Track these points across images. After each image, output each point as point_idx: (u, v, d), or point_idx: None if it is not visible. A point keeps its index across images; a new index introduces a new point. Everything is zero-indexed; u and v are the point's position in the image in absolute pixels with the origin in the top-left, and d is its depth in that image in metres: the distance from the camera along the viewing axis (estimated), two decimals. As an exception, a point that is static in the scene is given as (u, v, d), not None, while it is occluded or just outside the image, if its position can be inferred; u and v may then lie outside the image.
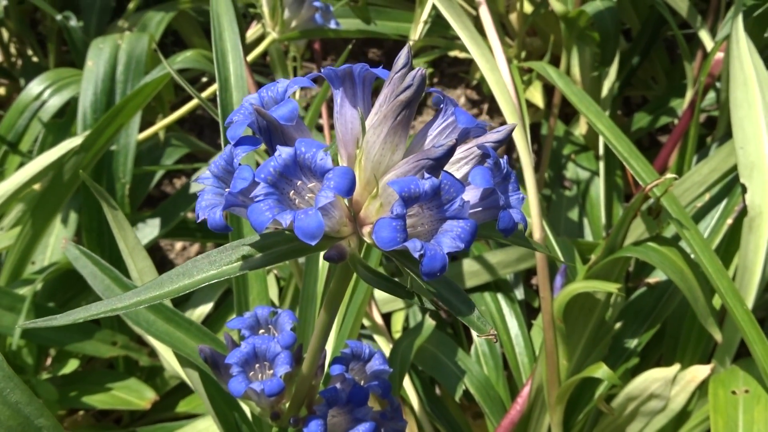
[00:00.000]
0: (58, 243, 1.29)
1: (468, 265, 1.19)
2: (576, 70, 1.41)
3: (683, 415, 0.98)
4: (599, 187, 1.41)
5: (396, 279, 0.41)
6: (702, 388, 0.96)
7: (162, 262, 1.83)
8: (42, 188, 1.14)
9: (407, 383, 1.06)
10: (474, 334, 1.19)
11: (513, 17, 1.53)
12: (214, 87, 1.37)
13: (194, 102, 1.34)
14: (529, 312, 1.30)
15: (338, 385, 0.55)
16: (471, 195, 0.39)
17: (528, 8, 1.51)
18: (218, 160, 0.40)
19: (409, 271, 0.39)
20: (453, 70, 1.87)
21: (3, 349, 1.13)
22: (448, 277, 0.39)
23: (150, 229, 1.33)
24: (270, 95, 0.40)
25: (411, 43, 1.36)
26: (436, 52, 1.56)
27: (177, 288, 0.43)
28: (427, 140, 0.41)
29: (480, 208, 0.39)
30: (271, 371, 0.55)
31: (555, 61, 1.54)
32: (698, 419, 0.93)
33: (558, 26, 1.47)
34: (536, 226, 0.89)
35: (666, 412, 0.93)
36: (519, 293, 1.27)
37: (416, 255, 0.35)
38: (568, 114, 1.80)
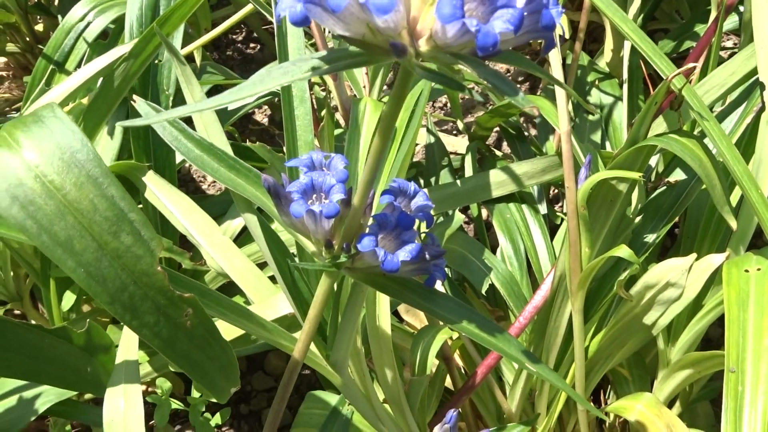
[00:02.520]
0: (104, 154, 1.36)
1: (494, 175, 1.25)
2: (602, -4, 1.44)
3: (698, 306, 1.04)
4: (622, 111, 1.45)
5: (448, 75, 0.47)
6: (716, 279, 1.02)
7: (195, 190, 1.91)
8: (92, 95, 1.21)
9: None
10: (498, 234, 1.24)
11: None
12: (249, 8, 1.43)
13: (231, 21, 1.40)
14: (551, 230, 1.35)
15: (387, 212, 0.62)
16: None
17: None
18: (295, -29, 0.46)
19: (463, 64, 0.45)
20: None
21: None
22: (496, 72, 0.45)
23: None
24: None
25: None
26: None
27: (255, 91, 0.49)
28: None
29: (526, 13, 0.45)
30: (327, 200, 0.62)
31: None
32: (712, 305, 0.99)
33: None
34: (563, 118, 0.94)
35: (682, 300, 0.99)
36: (542, 208, 1.32)
37: (472, 29, 0.41)
38: (592, 51, 1.83)
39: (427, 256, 0.62)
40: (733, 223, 0.92)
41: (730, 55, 1.74)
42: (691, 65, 0.86)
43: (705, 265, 0.96)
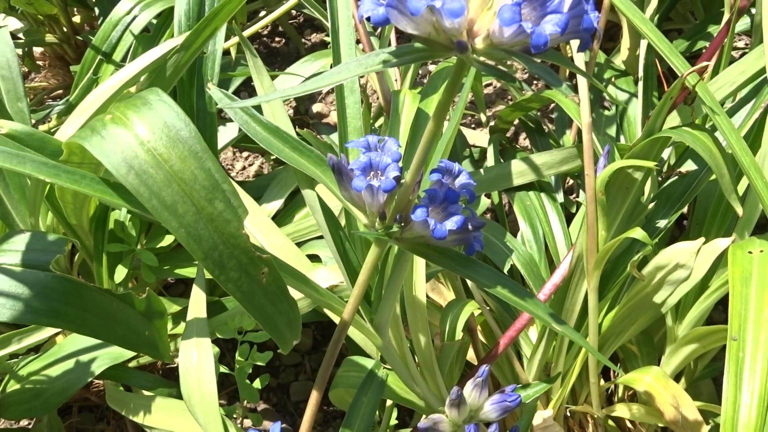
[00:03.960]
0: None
1: (516, 165, 1.34)
2: (620, -2, 1.52)
3: (704, 287, 1.13)
4: (637, 107, 1.53)
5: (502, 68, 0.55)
6: (722, 262, 1.10)
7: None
8: (143, 86, 1.30)
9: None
10: (518, 219, 1.33)
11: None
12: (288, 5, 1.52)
13: (274, 15, 1.49)
14: (566, 217, 1.44)
15: (436, 188, 0.71)
16: (565, 5, 0.54)
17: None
18: (375, -22, 0.55)
19: (516, 58, 0.54)
20: None
21: (109, 223, 1.31)
22: (543, 65, 0.54)
23: (230, 132, 1.50)
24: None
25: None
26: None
27: (334, 80, 0.58)
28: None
29: (570, 16, 0.54)
30: (384, 176, 0.71)
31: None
32: (717, 285, 1.08)
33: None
34: (584, 110, 1.03)
35: (690, 281, 1.08)
36: (559, 197, 1.41)
37: (528, 31, 0.49)
38: (608, 49, 1.91)
39: (469, 226, 0.71)
40: (740, 210, 1.01)
41: (742, 55, 1.82)
42: (704, 63, 0.94)
43: (712, 248, 1.05)
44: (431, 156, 0.78)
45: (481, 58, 0.57)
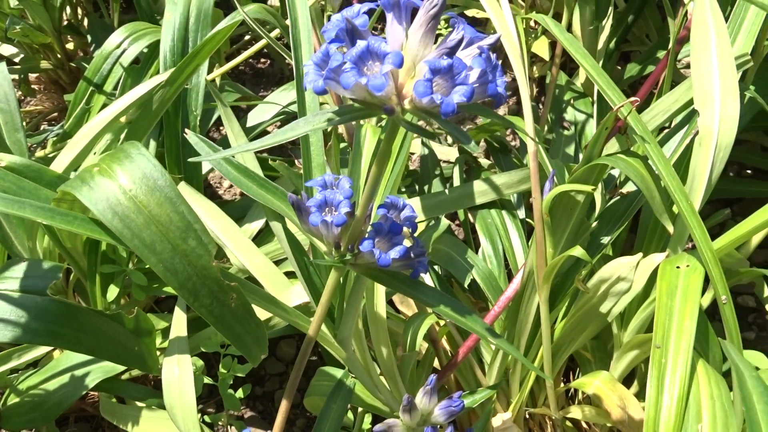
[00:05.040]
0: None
1: (477, 185, 1.44)
2: (576, 26, 1.64)
3: (646, 296, 1.24)
4: (593, 127, 1.64)
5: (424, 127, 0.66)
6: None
7: (212, 195, 2.11)
8: (132, 116, 1.40)
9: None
10: (480, 236, 1.43)
11: (523, -20, 1.75)
12: (263, 42, 1.62)
13: (249, 52, 1.59)
14: (529, 232, 1.55)
15: (381, 222, 0.81)
16: (471, 77, 0.64)
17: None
18: (317, 54, 0.65)
19: (433, 119, 0.64)
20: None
21: (102, 246, 1.41)
22: (456, 126, 0.65)
23: (213, 156, 1.60)
24: (348, 14, 0.65)
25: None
26: (456, 9, 1.79)
27: (286, 137, 0.69)
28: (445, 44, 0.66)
29: (477, 84, 0.64)
30: (337, 212, 0.81)
31: (558, 18, 1.77)
32: (654, 295, 1.18)
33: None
34: (530, 142, 1.13)
35: (631, 292, 1.18)
36: (521, 213, 1.52)
37: (437, 102, 0.60)
38: (572, 69, 2.02)
39: (412, 254, 0.81)
40: (670, 228, 1.12)
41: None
42: (633, 99, 1.05)
43: (649, 263, 1.16)
44: (381, 191, 0.89)
45: (410, 118, 0.68)
